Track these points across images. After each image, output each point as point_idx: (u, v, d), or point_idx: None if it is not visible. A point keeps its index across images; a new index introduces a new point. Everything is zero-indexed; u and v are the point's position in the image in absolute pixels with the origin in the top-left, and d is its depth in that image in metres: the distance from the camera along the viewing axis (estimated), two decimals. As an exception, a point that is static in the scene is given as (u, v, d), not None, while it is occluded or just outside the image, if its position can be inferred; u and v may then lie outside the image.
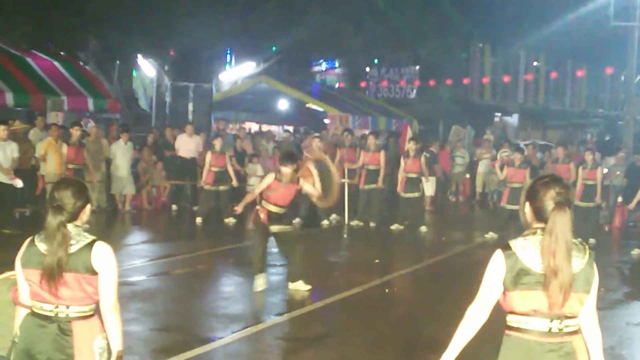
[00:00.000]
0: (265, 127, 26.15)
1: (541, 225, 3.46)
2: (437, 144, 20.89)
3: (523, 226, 3.62)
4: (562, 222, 3.37)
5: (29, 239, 3.83)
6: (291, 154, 9.64)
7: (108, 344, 3.83)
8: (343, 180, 15.56)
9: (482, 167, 20.59)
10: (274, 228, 9.31)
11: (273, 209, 9.21)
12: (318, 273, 11.04)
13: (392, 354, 7.14)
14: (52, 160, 14.04)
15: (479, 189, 20.95)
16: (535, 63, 29.50)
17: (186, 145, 16.93)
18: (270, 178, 9.23)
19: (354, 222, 15.50)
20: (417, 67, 28.33)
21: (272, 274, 10.33)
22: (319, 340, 7.69)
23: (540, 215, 3.48)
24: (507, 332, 3.53)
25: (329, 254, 12.91)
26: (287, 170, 9.10)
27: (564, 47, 27.52)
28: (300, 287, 9.44)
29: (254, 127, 26.33)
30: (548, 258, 3.35)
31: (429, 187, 18.52)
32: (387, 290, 10.07)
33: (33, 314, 3.78)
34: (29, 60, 17.44)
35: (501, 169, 14.76)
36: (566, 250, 3.35)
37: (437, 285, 10.65)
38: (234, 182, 15.29)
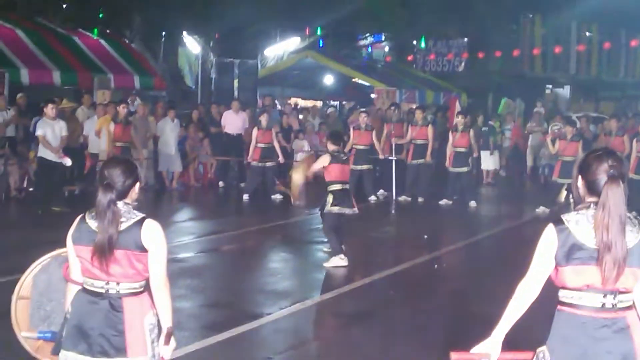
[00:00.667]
0: (311, 103, 26.07)
1: (594, 199, 3.38)
2: (509, 117, 20.80)
3: (576, 200, 3.52)
4: (615, 195, 3.30)
5: (79, 216, 3.83)
6: (338, 133, 10.14)
7: (158, 320, 3.83)
8: (390, 157, 15.43)
9: (533, 141, 20.21)
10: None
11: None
12: (366, 249, 10.99)
13: (441, 330, 7.06)
14: (104, 137, 14.10)
15: (529, 163, 20.58)
16: (587, 33, 28.76)
17: (232, 121, 16.94)
18: (325, 159, 9.35)
19: (402, 198, 15.36)
20: (465, 40, 27.87)
21: (319, 251, 10.30)
22: (366, 316, 7.64)
23: (593, 189, 3.40)
24: (559, 307, 3.46)
25: (377, 230, 12.82)
26: (334, 147, 9.43)
27: (617, 17, 26.77)
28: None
29: (300, 102, 26.26)
30: (601, 232, 3.28)
31: (492, 160, 18.46)
32: (435, 266, 9.97)
33: (84, 290, 3.79)
34: (75, 39, 17.60)
35: (553, 142, 14.44)
36: (620, 224, 3.28)
37: (486, 261, 10.50)
38: (281, 158, 15.26)
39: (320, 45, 26.63)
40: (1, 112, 13.83)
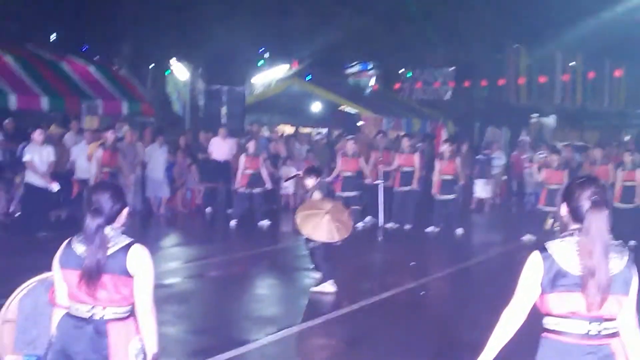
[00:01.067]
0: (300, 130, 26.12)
1: (578, 226, 3.41)
2: (495, 146, 20.97)
3: (561, 228, 3.56)
4: (598, 221, 3.33)
5: (67, 241, 3.84)
6: (314, 168, 10.41)
7: (143, 346, 3.82)
8: (377, 182, 15.48)
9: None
10: None
11: None
12: (352, 275, 10.99)
13: (428, 357, 7.05)
14: (95, 163, 14.02)
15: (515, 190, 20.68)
16: (571, 63, 29.06)
17: (220, 148, 16.96)
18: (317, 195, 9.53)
19: (389, 225, 15.39)
20: (452, 69, 28.10)
21: (306, 277, 10.29)
22: (353, 343, 7.63)
23: (577, 215, 3.44)
24: (544, 334, 3.48)
25: (364, 257, 12.83)
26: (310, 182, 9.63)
27: (601, 47, 27.09)
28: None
29: (287, 129, 26.33)
30: (585, 258, 3.31)
31: (486, 189, 18.60)
32: (422, 293, 9.97)
33: (69, 315, 3.78)
34: (63, 64, 17.61)
35: (539, 170, 14.53)
36: (603, 250, 3.31)
37: (473, 288, 10.52)
38: (268, 185, 15.28)
39: (308, 74, 26.76)
40: None
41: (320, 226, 9.03)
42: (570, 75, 28.87)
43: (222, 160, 16.85)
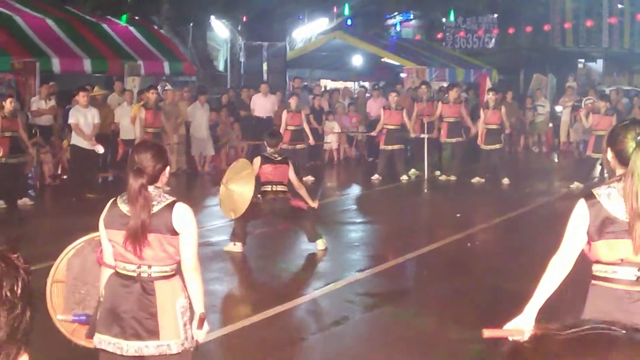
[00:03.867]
0: (341, 84, 25.96)
1: (625, 170, 3.32)
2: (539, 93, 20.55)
3: (609, 174, 3.48)
4: None
5: (111, 200, 3.87)
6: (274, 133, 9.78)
7: (190, 304, 3.85)
8: (422, 135, 15.33)
9: (565, 116, 19.94)
10: None
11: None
12: (398, 229, 10.96)
13: (474, 308, 7.02)
14: (138, 124, 14.11)
15: (562, 139, 20.32)
16: (619, 5, 28.25)
17: (262, 104, 16.94)
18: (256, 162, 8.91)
19: (438, 174, 15.30)
20: (495, 15, 27.53)
21: (352, 231, 10.29)
22: (399, 296, 7.64)
23: (623, 159, 3.37)
24: (593, 281, 3.44)
25: (409, 209, 12.78)
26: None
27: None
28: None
29: (329, 84, 26.17)
30: (631, 200, 3.23)
31: None
32: (469, 244, 9.90)
33: (117, 274, 3.83)
34: (104, 26, 17.68)
35: (586, 117, 14.23)
36: None
37: (520, 237, 10.40)
38: (311, 140, 15.24)
39: (348, 24, 26.45)
40: (40, 101, 13.99)
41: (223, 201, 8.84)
42: (618, 18, 28.06)
43: (264, 116, 16.84)
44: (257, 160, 8.91)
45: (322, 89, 21.27)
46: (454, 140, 15.16)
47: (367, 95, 20.09)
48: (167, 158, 3.93)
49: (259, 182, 8.79)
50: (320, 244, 9.06)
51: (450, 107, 15.24)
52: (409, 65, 23.19)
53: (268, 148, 9.02)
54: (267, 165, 8.83)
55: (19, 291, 1.26)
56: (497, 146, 14.80)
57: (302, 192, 8.96)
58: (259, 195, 8.76)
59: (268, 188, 8.84)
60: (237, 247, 9.02)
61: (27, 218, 11.38)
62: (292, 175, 8.90)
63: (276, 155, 8.94)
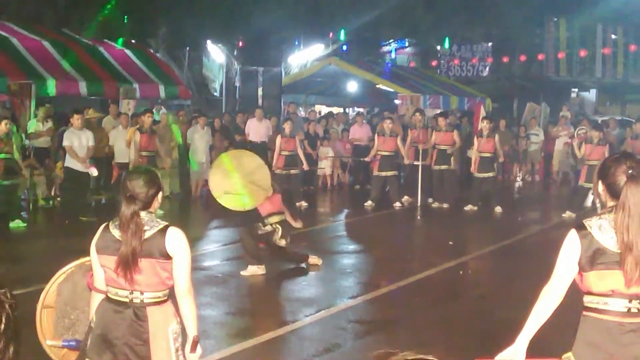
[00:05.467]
0: (335, 110, 26.06)
1: (616, 202, 3.36)
2: (533, 122, 20.63)
3: (601, 206, 3.50)
4: (635, 195, 3.28)
5: (103, 225, 3.87)
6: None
7: (182, 329, 3.84)
8: (416, 162, 15.38)
9: (558, 145, 20.05)
10: None
11: None
12: (391, 256, 10.95)
13: (467, 337, 7.00)
14: (133, 147, 14.11)
15: (555, 168, 20.42)
16: (613, 36, 28.48)
17: (256, 129, 16.99)
18: None
19: (430, 202, 15.31)
20: (490, 44, 27.73)
21: (344, 257, 10.28)
22: (392, 323, 7.61)
23: (614, 192, 3.40)
24: (584, 312, 3.45)
25: (402, 236, 12.79)
26: None
27: (643, 19, 26.63)
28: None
29: (324, 109, 26.26)
30: (622, 233, 3.27)
31: None
32: (461, 272, 9.90)
33: (108, 299, 3.81)
34: (101, 49, 17.74)
35: (579, 146, 14.30)
36: None
37: (512, 266, 10.40)
38: (305, 166, 15.26)
39: (344, 50, 26.61)
40: (37, 123, 14.02)
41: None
42: (612, 49, 28.30)
43: (258, 141, 16.88)
44: None
45: (318, 115, 21.32)
46: (443, 167, 15.21)
47: (351, 121, 20.18)
48: (160, 183, 3.92)
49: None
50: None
51: (442, 135, 15.32)
52: (403, 92, 23.31)
53: None
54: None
55: (3, 327, 1.25)
56: (491, 174, 14.87)
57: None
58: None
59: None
60: (260, 270, 9.15)
61: (20, 240, 11.34)
62: None
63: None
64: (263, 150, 16.89)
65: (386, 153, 15.05)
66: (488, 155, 14.79)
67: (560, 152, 19.89)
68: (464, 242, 12.34)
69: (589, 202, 14.02)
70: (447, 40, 28.13)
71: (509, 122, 21.36)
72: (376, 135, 15.61)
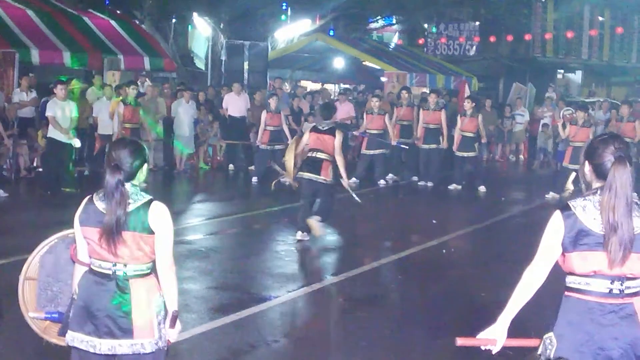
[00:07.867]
0: (319, 87, 25.98)
1: (601, 184, 3.37)
2: (519, 102, 20.68)
3: (585, 186, 3.50)
4: (622, 176, 3.29)
5: (87, 197, 3.83)
6: (328, 106, 10.72)
7: (165, 302, 3.82)
8: (400, 141, 15.36)
9: (544, 126, 20.13)
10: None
11: None
12: (375, 233, 10.99)
13: (449, 315, 7.05)
14: (117, 119, 13.98)
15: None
16: (600, 18, 28.52)
17: (235, 103, 16.84)
18: (307, 134, 9.89)
19: (415, 180, 15.36)
20: (477, 23, 27.69)
21: (328, 234, 10.29)
22: (374, 300, 7.64)
23: (600, 173, 3.40)
24: (566, 293, 3.46)
25: (386, 214, 12.82)
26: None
27: (630, 2, 26.61)
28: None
29: (310, 85, 26.17)
30: (607, 213, 3.28)
31: None
32: (444, 251, 9.94)
33: (91, 271, 3.79)
34: (86, 19, 17.53)
35: (564, 127, 14.34)
36: (626, 205, 3.28)
37: (495, 246, 10.48)
38: (290, 141, 15.20)
39: (331, 29, 26.47)
40: (21, 92, 13.88)
41: None
42: (598, 31, 28.35)
43: (238, 116, 16.76)
44: (307, 133, 9.88)
45: (305, 91, 21.21)
46: (432, 146, 15.21)
47: (334, 98, 20.09)
48: (146, 155, 3.88)
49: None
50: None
51: (430, 113, 15.30)
52: (389, 70, 23.28)
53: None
54: (312, 134, 9.66)
55: None
56: (472, 154, 14.87)
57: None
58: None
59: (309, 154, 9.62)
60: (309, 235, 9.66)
61: (2, 210, 11.26)
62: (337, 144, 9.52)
63: (323, 125, 9.69)
64: (242, 124, 16.81)
65: (374, 131, 15.03)
66: (470, 134, 14.80)
67: (540, 133, 19.98)
68: (447, 221, 12.38)
69: (570, 184, 14.07)
70: (435, 28, 28.11)
71: (495, 102, 21.41)
72: (364, 113, 15.58)
